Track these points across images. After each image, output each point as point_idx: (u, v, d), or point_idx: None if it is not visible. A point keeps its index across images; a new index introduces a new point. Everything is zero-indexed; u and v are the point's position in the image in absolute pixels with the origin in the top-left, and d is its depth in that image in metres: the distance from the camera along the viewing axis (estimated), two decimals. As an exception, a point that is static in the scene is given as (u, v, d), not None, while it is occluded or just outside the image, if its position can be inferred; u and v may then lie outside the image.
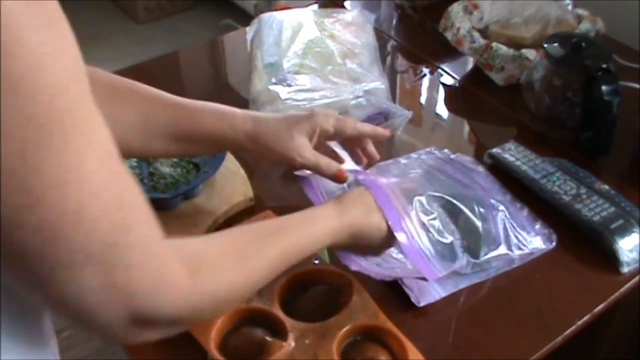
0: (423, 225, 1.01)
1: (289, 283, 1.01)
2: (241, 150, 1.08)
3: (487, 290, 1.07)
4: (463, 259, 1.05)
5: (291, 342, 0.93)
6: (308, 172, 1.06)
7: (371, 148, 1.10)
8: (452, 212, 1.06)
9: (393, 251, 1.03)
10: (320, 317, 0.97)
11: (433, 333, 0.97)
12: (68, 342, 2.04)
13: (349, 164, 1.12)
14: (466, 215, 1.07)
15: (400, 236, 0.96)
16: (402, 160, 1.28)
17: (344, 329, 0.95)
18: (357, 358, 0.93)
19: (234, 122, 1.00)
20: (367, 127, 1.09)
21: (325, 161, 1.02)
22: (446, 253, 1.02)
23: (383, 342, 0.96)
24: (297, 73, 1.40)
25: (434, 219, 1.02)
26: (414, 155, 1.30)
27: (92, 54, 3.53)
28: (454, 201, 1.07)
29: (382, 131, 1.11)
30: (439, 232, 1.03)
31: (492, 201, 1.13)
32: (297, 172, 1.09)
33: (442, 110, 1.53)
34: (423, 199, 1.02)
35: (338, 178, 1.02)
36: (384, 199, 0.97)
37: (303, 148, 1.00)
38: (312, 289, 1.03)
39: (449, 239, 1.03)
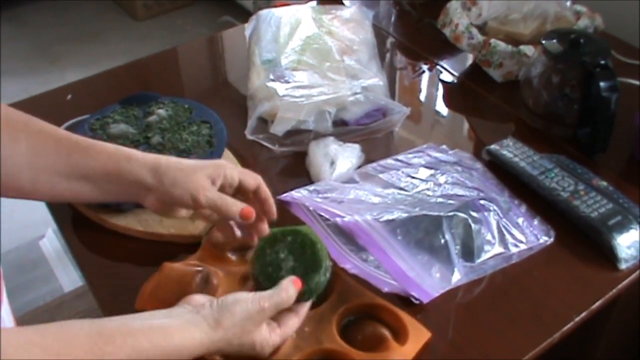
0: (411, 249, 1.06)
1: None
2: (140, 188, 0.93)
3: (484, 288, 1.07)
4: (459, 265, 1.06)
5: (293, 333, 0.93)
6: (294, 195, 1.12)
7: (263, 226, 1.00)
8: (439, 227, 1.08)
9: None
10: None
11: (430, 330, 0.97)
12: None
13: (330, 208, 1.13)
14: (456, 224, 1.09)
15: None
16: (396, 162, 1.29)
17: (339, 312, 0.97)
18: (359, 336, 0.95)
19: (132, 156, 0.93)
20: (264, 189, 1.00)
21: (231, 200, 0.94)
22: (441, 265, 1.06)
23: (377, 317, 0.98)
24: (295, 69, 1.40)
25: (421, 240, 1.07)
26: (411, 153, 1.30)
27: (90, 51, 3.54)
28: (440, 214, 1.09)
29: (273, 210, 1.01)
30: (430, 250, 1.07)
31: (483, 202, 1.14)
32: (280, 197, 1.15)
33: (440, 106, 1.53)
34: (404, 221, 1.08)
35: (246, 216, 0.95)
36: (367, 240, 1.04)
37: (208, 187, 0.93)
38: None
39: (441, 253, 1.07)
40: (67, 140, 0.93)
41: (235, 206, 0.94)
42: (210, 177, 0.94)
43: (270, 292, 0.86)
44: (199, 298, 0.84)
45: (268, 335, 0.85)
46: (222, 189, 0.96)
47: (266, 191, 1.00)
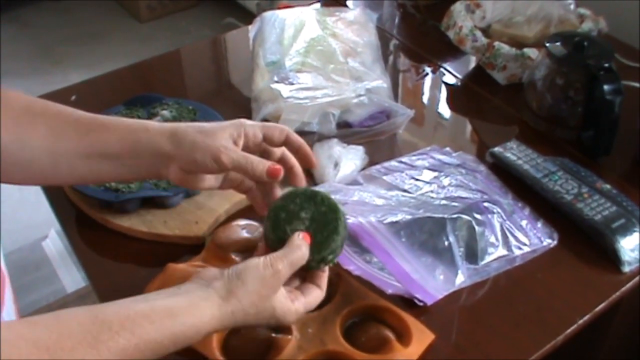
0: (415, 251, 1.07)
1: None
2: (161, 158, 0.88)
3: (487, 290, 1.07)
4: (463, 267, 1.07)
5: (296, 334, 0.94)
6: None
7: (299, 181, 0.94)
8: (443, 229, 1.08)
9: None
10: None
11: (433, 332, 0.97)
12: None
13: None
14: (460, 226, 1.09)
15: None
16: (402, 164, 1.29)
17: (342, 313, 0.98)
18: (362, 338, 0.95)
19: (149, 126, 0.89)
20: (296, 136, 0.93)
21: (256, 159, 0.87)
22: (445, 267, 1.06)
23: (381, 319, 0.99)
24: (299, 71, 1.40)
25: (425, 242, 1.07)
26: (415, 155, 1.31)
27: (93, 52, 3.54)
28: (444, 216, 1.09)
29: (310, 158, 0.94)
30: (434, 252, 1.07)
31: (486, 204, 1.14)
32: None
33: (444, 109, 1.53)
34: (408, 223, 1.08)
35: (273, 174, 0.88)
36: (371, 242, 1.04)
37: (230, 146, 0.87)
38: None
39: (445, 255, 1.07)
40: (85, 119, 0.89)
41: (262, 164, 0.87)
42: (232, 137, 0.88)
43: (282, 252, 0.80)
44: (211, 272, 0.79)
45: (290, 303, 0.80)
46: (246, 148, 0.89)
47: (297, 139, 0.92)
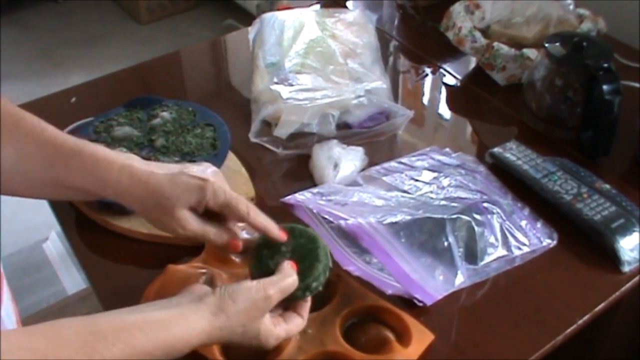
0: (415, 252, 1.07)
1: None
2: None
3: (487, 290, 1.07)
4: (462, 268, 1.07)
5: (296, 335, 0.94)
6: (298, 197, 1.13)
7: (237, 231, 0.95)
8: (443, 229, 1.08)
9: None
10: (311, 309, 0.97)
11: (433, 332, 0.97)
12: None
13: (333, 211, 1.13)
14: (460, 226, 1.10)
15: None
16: (401, 165, 1.29)
17: (342, 314, 0.98)
18: (362, 338, 0.96)
19: (107, 176, 0.88)
20: (260, 219, 0.91)
21: (213, 231, 0.90)
22: (444, 267, 1.07)
23: (381, 320, 0.99)
24: (298, 73, 1.40)
25: (424, 242, 1.08)
26: (414, 156, 1.31)
27: (93, 54, 3.53)
28: (443, 217, 1.10)
29: (276, 233, 0.91)
30: (433, 253, 1.07)
31: (486, 205, 1.14)
32: (283, 199, 1.16)
33: (443, 109, 1.54)
34: (408, 224, 1.08)
35: (232, 248, 0.92)
36: (370, 242, 1.04)
37: (186, 219, 0.88)
38: None
39: (445, 255, 1.07)
40: (49, 147, 0.88)
41: (220, 239, 0.91)
42: (192, 205, 0.89)
43: (274, 278, 0.83)
44: (202, 287, 0.83)
45: (272, 327, 0.83)
46: (207, 210, 0.90)
47: (261, 222, 0.91)
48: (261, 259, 0.89)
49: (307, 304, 0.89)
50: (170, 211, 0.87)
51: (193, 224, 0.89)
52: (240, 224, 1.04)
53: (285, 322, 0.86)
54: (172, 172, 0.90)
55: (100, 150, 0.89)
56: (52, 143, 0.88)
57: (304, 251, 0.89)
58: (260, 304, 0.80)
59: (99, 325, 0.69)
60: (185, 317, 0.76)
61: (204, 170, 0.93)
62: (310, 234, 0.92)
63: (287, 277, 0.84)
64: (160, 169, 0.90)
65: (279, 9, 1.66)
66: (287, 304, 0.88)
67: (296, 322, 0.87)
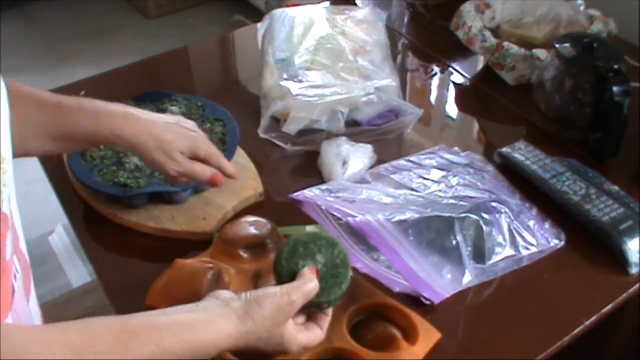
0: (423, 250, 1.07)
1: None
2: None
3: (494, 290, 1.07)
4: (470, 267, 1.07)
5: None
6: (307, 194, 1.14)
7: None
8: (451, 228, 1.09)
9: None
10: None
11: (440, 331, 0.97)
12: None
13: (342, 208, 1.13)
14: (468, 225, 1.10)
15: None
16: (410, 163, 1.29)
17: (349, 311, 0.98)
18: (369, 336, 0.96)
19: (109, 121, 1.00)
20: (216, 159, 1.08)
21: (199, 167, 1.05)
22: (452, 266, 1.07)
23: (388, 318, 0.99)
24: (308, 69, 1.40)
25: (433, 241, 1.08)
26: (423, 154, 1.31)
27: (101, 49, 3.54)
28: (452, 216, 1.10)
29: (230, 170, 1.10)
30: (441, 251, 1.07)
31: (494, 204, 1.14)
32: (292, 196, 1.17)
33: (452, 109, 1.53)
34: (416, 222, 1.09)
35: (214, 182, 1.06)
36: (379, 240, 1.05)
37: (181, 158, 1.03)
38: None
39: (453, 254, 1.07)
40: (49, 105, 0.98)
41: (205, 174, 1.05)
42: (182, 151, 1.03)
43: (296, 284, 0.84)
44: (227, 293, 0.83)
45: (295, 333, 0.83)
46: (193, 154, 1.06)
47: (214, 159, 1.07)
48: (295, 253, 0.88)
49: (328, 318, 0.89)
50: (170, 152, 1.02)
51: (185, 163, 1.03)
52: (249, 219, 1.07)
53: (307, 330, 0.86)
54: (169, 122, 1.05)
55: (97, 102, 1.01)
56: (49, 103, 0.98)
57: (334, 272, 0.88)
58: (285, 309, 0.81)
59: (131, 325, 0.71)
60: (213, 321, 0.77)
61: (194, 125, 1.08)
62: (347, 259, 0.90)
63: (309, 282, 0.84)
64: (159, 118, 1.05)
65: (288, 6, 1.66)
66: (309, 312, 0.88)
67: (316, 333, 0.87)
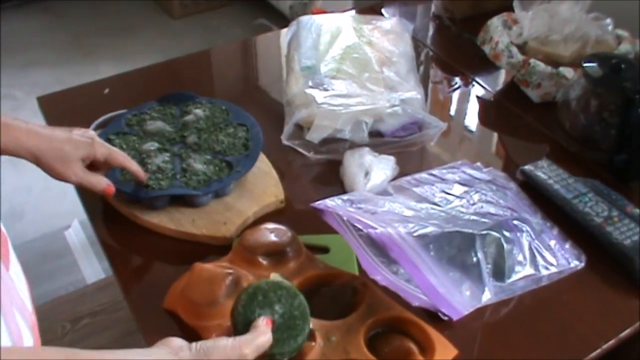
0: (443, 265, 1.07)
1: (302, 285, 1.02)
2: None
3: (512, 308, 1.06)
4: (489, 284, 1.07)
5: (320, 342, 0.94)
6: (328, 203, 1.14)
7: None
8: (472, 244, 1.08)
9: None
10: (336, 316, 0.98)
11: (456, 347, 0.96)
12: (85, 331, 2.05)
13: (363, 219, 1.12)
14: (489, 242, 1.09)
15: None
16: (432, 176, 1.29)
17: (367, 323, 0.97)
18: (385, 349, 0.95)
19: (18, 136, 1.04)
20: (115, 160, 1.14)
21: (94, 178, 1.11)
22: (472, 283, 1.06)
23: (405, 331, 0.98)
24: (334, 78, 1.40)
25: (453, 256, 1.07)
26: (445, 168, 1.30)
27: (124, 46, 3.56)
28: (473, 232, 1.09)
29: (134, 168, 1.17)
30: (462, 267, 1.07)
31: (516, 222, 1.13)
32: (313, 204, 1.15)
33: (475, 123, 1.53)
34: (437, 237, 1.08)
35: (106, 193, 1.13)
36: (399, 253, 1.04)
37: (79, 169, 1.09)
38: (325, 289, 1.04)
39: (473, 271, 1.07)
40: None
41: (99, 185, 1.12)
42: (83, 159, 1.09)
43: (249, 337, 0.82)
44: (177, 341, 0.80)
45: None
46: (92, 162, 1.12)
47: (133, 165, 1.16)
48: (252, 301, 0.87)
49: None
50: (68, 163, 1.08)
51: (81, 174, 1.10)
52: (269, 226, 1.08)
53: None
54: (66, 133, 1.10)
55: (6, 118, 1.04)
56: None
57: (291, 323, 0.87)
58: None
59: (78, 357, 0.71)
60: None
61: (87, 131, 1.13)
62: (306, 311, 0.88)
63: (262, 334, 0.83)
64: (58, 131, 1.10)
65: (313, 12, 1.66)
66: None
67: None
